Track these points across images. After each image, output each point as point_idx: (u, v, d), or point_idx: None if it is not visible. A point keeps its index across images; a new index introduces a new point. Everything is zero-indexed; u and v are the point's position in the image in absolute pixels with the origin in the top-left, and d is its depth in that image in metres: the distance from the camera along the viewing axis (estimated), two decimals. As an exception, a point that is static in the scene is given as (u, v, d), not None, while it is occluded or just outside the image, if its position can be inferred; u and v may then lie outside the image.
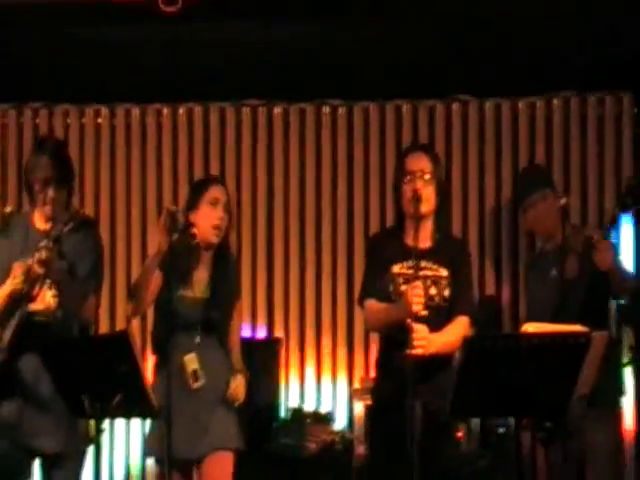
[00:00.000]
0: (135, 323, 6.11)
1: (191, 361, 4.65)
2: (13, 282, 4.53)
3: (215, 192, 4.79)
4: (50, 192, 4.66)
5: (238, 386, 4.72)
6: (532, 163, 6.33)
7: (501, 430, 5.34)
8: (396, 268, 4.56)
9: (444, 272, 4.56)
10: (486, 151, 6.53)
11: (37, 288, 4.55)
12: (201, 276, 4.77)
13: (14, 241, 4.74)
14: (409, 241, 4.55)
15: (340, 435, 5.94)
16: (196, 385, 4.65)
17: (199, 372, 4.66)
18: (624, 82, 6.31)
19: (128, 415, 5.02)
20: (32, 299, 4.58)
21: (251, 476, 4.81)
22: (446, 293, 4.54)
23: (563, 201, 5.09)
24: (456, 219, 6.42)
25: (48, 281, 4.52)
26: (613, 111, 6.40)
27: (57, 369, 4.45)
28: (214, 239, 4.74)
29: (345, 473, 5.71)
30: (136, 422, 6.32)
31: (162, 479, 4.74)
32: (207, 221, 4.72)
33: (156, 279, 4.64)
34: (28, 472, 4.76)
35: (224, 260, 4.83)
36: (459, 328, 4.51)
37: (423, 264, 4.51)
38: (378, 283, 4.59)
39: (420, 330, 4.38)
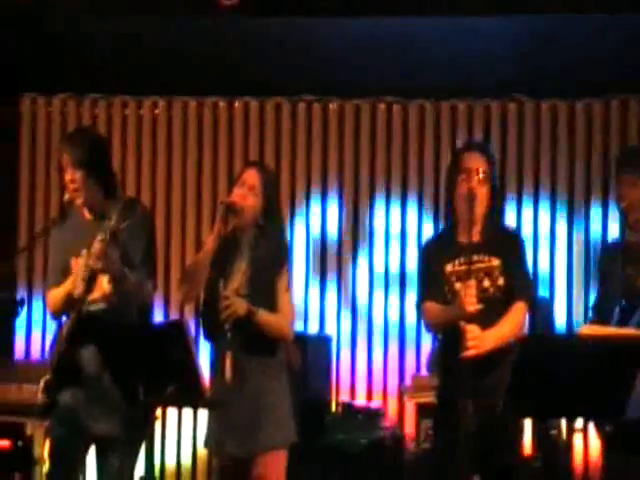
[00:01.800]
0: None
1: (227, 360, 4.60)
2: (72, 279, 4.56)
3: (244, 175, 4.69)
4: (68, 173, 4.63)
5: (235, 302, 4.50)
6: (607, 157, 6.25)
7: (553, 432, 5.30)
8: (449, 267, 4.52)
9: (496, 262, 4.51)
10: (541, 152, 6.49)
11: (94, 279, 4.56)
12: (240, 264, 4.67)
13: (67, 232, 4.75)
14: (461, 239, 4.53)
15: (390, 431, 5.95)
16: (227, 383, 4.58)
17: (229, 370, 4.55)
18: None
19: (181, 404, 5.05)
20: (90, 291, 4.59)
21: (302, 470, 4.80)
22: (500, 282, 4.49)
23: None
24: (511, 220, 6.37)
25: (102, 270, 4.58)
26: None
27: (113, 357, 4.47)
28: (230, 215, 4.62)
29: (395, 469, 5.70)
30: (188, 411, 6.37)
31: (217, 471, 4.84)
32: None
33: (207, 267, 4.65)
34: (84, 459, 4.79)
35: (267, 244, 4.69)
36: (516, 316, 4.48)
37: (475, 258, 4.48)
38: (433, 285, 4.56)
39: (472, 330, 4.35)
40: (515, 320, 4.47)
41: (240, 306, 4.52)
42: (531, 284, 4.77)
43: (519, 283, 4.54)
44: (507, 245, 4.59)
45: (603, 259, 5.29)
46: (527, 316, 4.59)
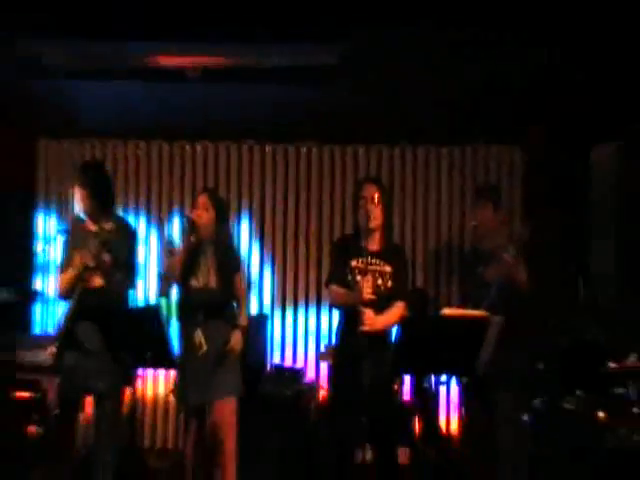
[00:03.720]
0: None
1: (197, 334, 4.64)
2: (75, 268, 4.58)
3: (198, 198, 4.82)
4: (78, 193, 4.69)
5: (235, 341, 4.67)
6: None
7: (425, 385, 5.35)
8: (353, 262, 4.54)
9: (388, 268, 4.55)
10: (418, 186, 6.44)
11: (90, 275, 4.60)
12: (204, 265, 4.72)
13: (74, 238, 4.78)
14: (364, 244, 4.56)
15: (309, 385, 5.92)
16: (200, 352, 4.63)
17: (202, 342, 4.63)
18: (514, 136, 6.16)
19: (155, 366, 5.04)
20: (87, 282, 4.60)
21: (245, 414, 4.81)
22: (389, 284, 4.53)
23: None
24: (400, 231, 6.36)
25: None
26: (506, 160, 6.31)
27: (105, 331, 4.49)
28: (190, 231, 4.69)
29: (310, 413, 5.66)
30: (162, 372, 6.27)
31: (183, 415, 4.87)
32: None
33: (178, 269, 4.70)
34: (81, 405, 4.78)
35: (222, 250, 4.77)
36: (397, 311, 4.52)
37: (373, 261, 4.52)
38: (340, 273, 4.56)
39: (368, 313, 4.41)
40: (397, 313, 4.50)
41: (238, 343, 4.68)
42: (409, 290, 4.83)
43: (402, 288, 4.60)
44: (396, 258, 4.62)
45: (463, 263, 5.41)
46: (406, 311, 4.58)
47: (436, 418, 5.49)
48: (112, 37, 4.86)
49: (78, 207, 4.77)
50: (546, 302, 4.97)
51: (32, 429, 5.20)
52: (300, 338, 6.40)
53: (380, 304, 4.46)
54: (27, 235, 6.44)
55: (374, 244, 4.59)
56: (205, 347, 4.62)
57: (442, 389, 5.79)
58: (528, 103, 5.48)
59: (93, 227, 4.70)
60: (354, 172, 6.41)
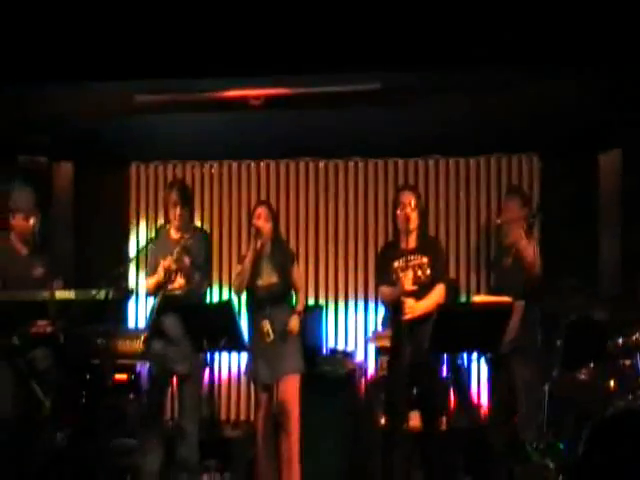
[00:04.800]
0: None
1: (265, 325, 4.69)
2: (159, 273, 4.66)
3: (258, 210, 4.85)
4: (177, 210, 4.74)
5: (293, 324, 4.74)
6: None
7: (459, 362, 5.32)
8: (395, 263, 4.61)
9: (425, 259, 4.56)
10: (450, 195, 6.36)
11: (173, 276, 4.67)
12: (266, 265, 4.81)
13: (159, 245, 4.85)
14: (403, 245, 4.59)
15: (359, 365, 5.89)
16: (268, 340, 4.68)
17: (270, 331, 4.68)
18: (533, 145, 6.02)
19: (229, 350, 5.11)
20: (171, 282, 4.67)
21: (305, 390, 4.83)
22: (427, 273, 4.55)
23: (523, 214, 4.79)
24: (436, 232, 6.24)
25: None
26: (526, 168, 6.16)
27: (187, 322, 4.53)
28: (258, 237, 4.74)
29: (360, 388, 5.69)
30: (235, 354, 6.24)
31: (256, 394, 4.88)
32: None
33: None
34: (169, 385, 4.86)
35: (278, 250, 4.85)
36: (436, 294, 4.54)
37: (412, 257, 4.56)
38: (385, 275, 4.64)
39: (408, 302, 4.43)
40: (436, 296, 4.53)
41: (296, 326, 4.74)
42: (446, 273, 4.81)
43: (440, 273, 4.61)
44: (431, 248, 4.65)
45: (489, 257, 5.37)
46: (444, 293, 4.59)
47: (468, 391, 5.46)
48: (188, 76, 4.92)
49: (171, 218, 4.79)
50: (558, 288, 4.91)
51: (129, 406, 5.30)
52: (351, 326, 6.38)
53: (421, 292, 4.49)
54: (123, 244, 6.51)
55: (412, 242, 4.61)
56: (272, 336, 4.65)
57: (473, 366, 5.76)
58: (546, 120, 5.35)
59: (176, 235, 4.78)
60: (394, 182, 6.35)
